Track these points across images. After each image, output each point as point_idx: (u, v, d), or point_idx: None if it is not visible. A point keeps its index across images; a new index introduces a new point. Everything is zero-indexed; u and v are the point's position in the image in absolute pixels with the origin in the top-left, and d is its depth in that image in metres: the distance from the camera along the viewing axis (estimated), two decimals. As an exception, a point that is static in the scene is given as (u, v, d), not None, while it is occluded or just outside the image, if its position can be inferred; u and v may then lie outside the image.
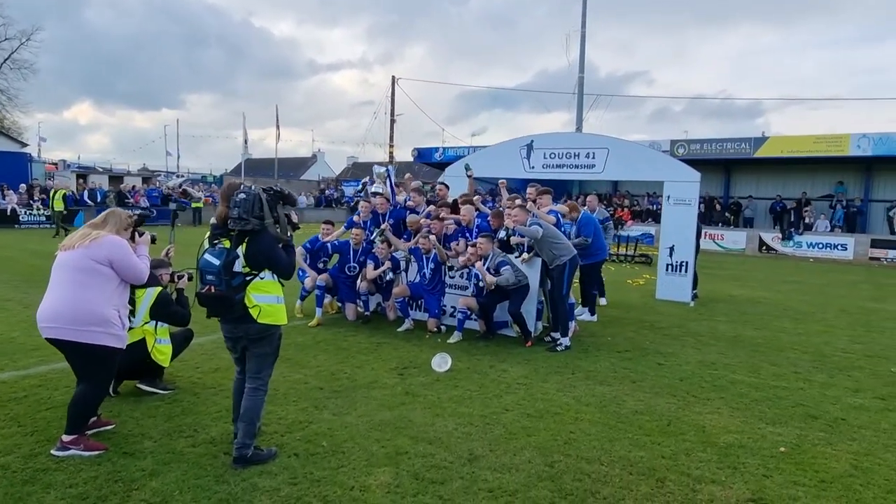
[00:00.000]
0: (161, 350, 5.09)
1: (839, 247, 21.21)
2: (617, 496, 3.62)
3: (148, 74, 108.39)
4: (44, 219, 23.02)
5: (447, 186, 10.24)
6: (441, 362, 6.15)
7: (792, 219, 23.01)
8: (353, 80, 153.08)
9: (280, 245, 3.91)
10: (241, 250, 3.75)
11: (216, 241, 3.79)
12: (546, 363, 6.47)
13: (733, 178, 25.94)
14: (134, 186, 29.20)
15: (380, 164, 10.58)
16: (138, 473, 3.74)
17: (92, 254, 3.96)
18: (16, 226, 22.51)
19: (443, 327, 7.86)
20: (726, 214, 24.64)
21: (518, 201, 7.97)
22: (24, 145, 35.63)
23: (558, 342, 7.03)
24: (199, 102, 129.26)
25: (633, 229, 20.37)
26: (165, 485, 3.60)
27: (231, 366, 4.54)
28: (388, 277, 8.17)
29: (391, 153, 35.44)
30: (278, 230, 3.85)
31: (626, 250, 17.86)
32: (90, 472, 3.72)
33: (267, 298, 3.86)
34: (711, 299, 11.20)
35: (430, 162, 31.09)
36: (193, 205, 27.71)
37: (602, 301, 10.15)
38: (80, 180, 30.06)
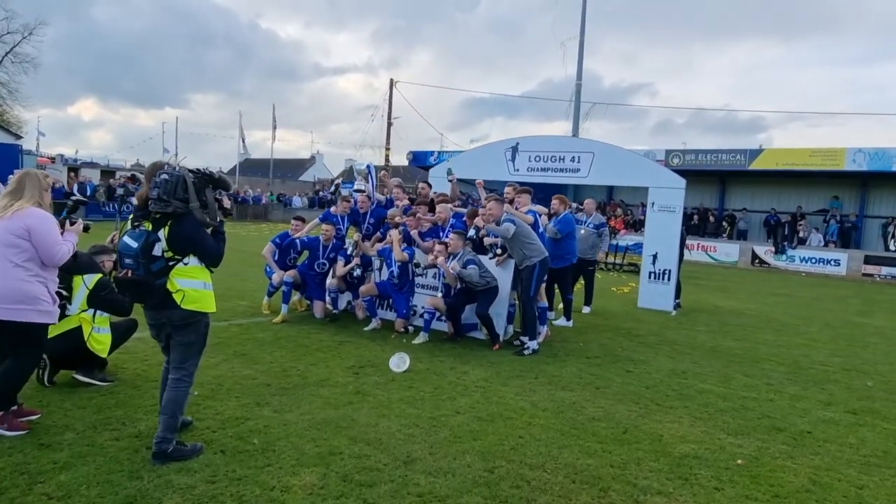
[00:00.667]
0: (98, 339, 4.87)
1: (832, 262, 21.00)
2: (553, 505, 3.40)
3: (153, 73, 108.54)
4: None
5: (430, 185, 10.07)
6: (399, 362, 5.93)
7: (786, 232, 22.81)
8: (358, 84, 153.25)
9: (209, 231, 3.71)
10: (162, 234, 3.54)
11: (137, 224, 3.58)
12: (510, 367, 6.25)
13: (728, 189, 25.75)
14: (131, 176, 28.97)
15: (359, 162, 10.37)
16: (49, 466, 3.52)
17: (12, 227, 3.77)
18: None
19: (410, 328, 7.64)
20: (722, 225, 24.45)
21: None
22: (19, 138, 35.38)
23: (525, 346, 6.82)
24: (204, 102, 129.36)
25: (626, 238, 20.18)
26: (74, 479, 3.38)
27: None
28: (356, 273, 7.96)
29: (387, 156, 35.24)
30: (206, 215, 3.65)
31: (615, 259, 17.68)
32: (-3, 464, 3.50)
33: (192, 283, 3.65)
34: (694, 309, 10.99)
35: (425, 166, 30.84)
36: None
37: (585, 309, 9.93)
38: (72, 174, 29.87)
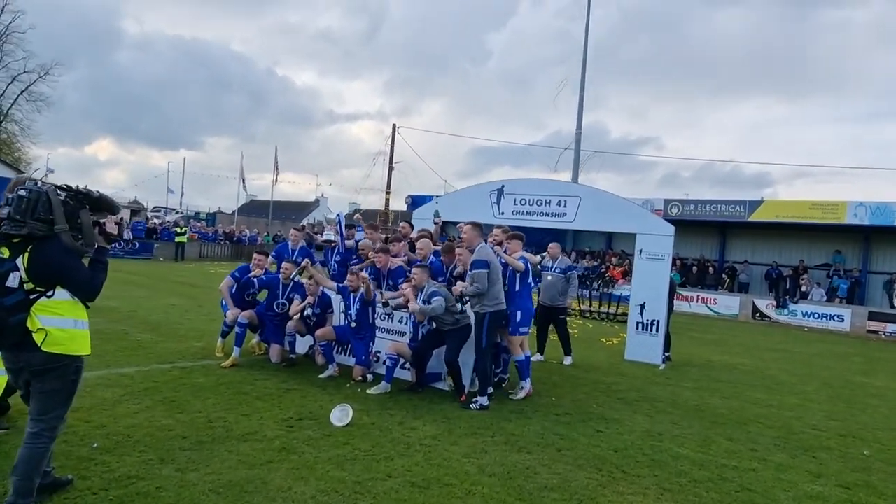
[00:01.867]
0: None
1: (836, 317, 20.27)
2: None
3: (170, 115, 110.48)
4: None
5: (411, 225, 9.69)
6: (341, 416, 5.35)
7: (787, 286, 22.17)
8: (370, 131, 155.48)
9: (82, 258, 3.22)
10: (21, 261, 3.05)
11: None
12: (467, 423, 5.65)
13: (729, 241, 25.24)
14: (122, 218, 28.78)
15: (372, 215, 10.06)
16: None
17: None
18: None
19: (370, 376, 7.07)
20: (722, 277, 23.84)
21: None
22: (20, 172, 35.57)
23: (473, 400, 6.23)
24: (218, 144, 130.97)
25: (624, 288, 19.58)
26: None
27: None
28: (307, 312, 7.42)
29: (387, 200, 35.10)
30: (79, 240, 3.16)
31: (608, 308, 17.11)
32: None
33: (58, 322, 3.14)
34: (685, 363, 10.35)
35: (423, 210, 30.67)
36: (177, 239, 27.22)
37: (566, 360, 9.33)
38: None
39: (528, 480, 4.35)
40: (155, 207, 48.11)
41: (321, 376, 6.99)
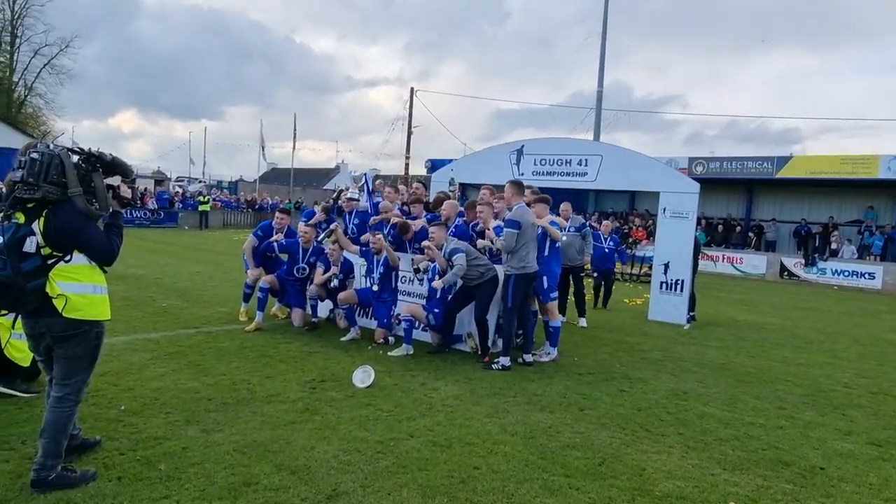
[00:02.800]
0: (17, 347, 4.40)
1: (867, 275, 19.82)
2: (490, 558, 2.79)
3: (191, 86, 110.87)
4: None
5: (424, 185, 9.61)
6: (363, 377, 5.37)
7: (817, 244, 21.69)
8: (389, 96, 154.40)
9: (99, 223, 3.20)
10: (37, 226, 3.02)
11: (8, 215, 3.06)
12: (489, 383, 5.64)
13: (756, 199, 24.68)
14: (145, 188, 29.10)
15: (359, 173, 10.01)
16: None
17: None
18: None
19: (392, 338, 7.09)
20: (749, 236, 23.39)
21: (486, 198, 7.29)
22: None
23: (496, 360, 6.23)
24: (238, 114, 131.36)
25: (647, 249, 19.33)
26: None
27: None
28: (332, 285, 7.41)
29: (407, 164, 34.88)
30: (93, 204, 3.13)
31: (632, 269, 16.93)
32: None
33: (77, 287, 3.13)
34: (710, 323, 10.21)
35: (444, 174, 30.44)
36: (200, 208, 27.46)
37: (581, 322, 9.24)
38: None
39: (551, 439, 4.33)
40: (178, 178, 48.51)
41: (343, 339, 7.02)
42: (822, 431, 4.89)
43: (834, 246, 21.16)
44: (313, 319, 7.64)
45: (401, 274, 7.39)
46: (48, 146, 3.05)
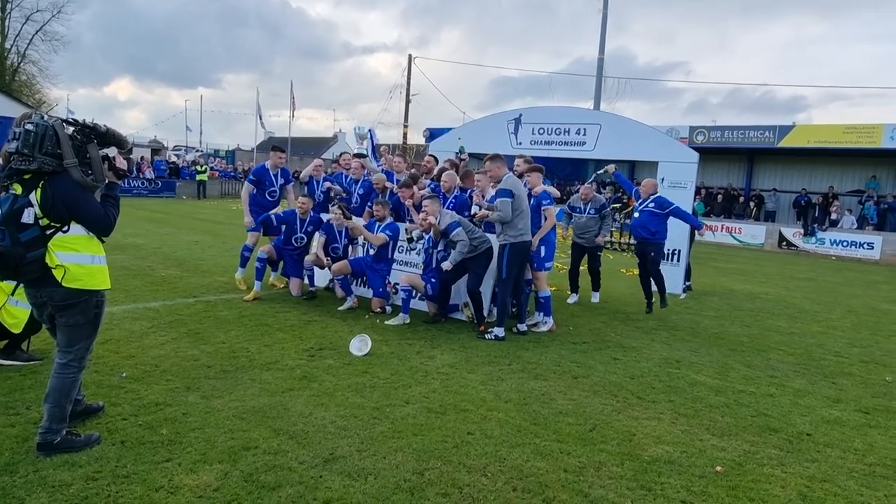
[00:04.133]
0: (12, 312, 4.43)
1: (865, 245, 19.87)
2: (481, 519, 2.89)
3: (187, 53, 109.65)
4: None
5: (436, 159, 9.57)
6: (360, 345, 5.45)
7: (816, 214, 21.69)
8: (387, 64, 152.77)
9: (97, 195, 3.22)
10: (34, 197, 3.05)
11: (5, 186, 3.09)
12: (484, 352, 5.72)
13: (756, 168, 24.58)
14: (142, 157, 28.96)
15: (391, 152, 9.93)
16: (-86, 457, 3.12)
17: None
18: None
19: (389, 307, 7.16)
20: (749, 205, 23.35)
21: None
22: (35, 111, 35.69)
23: (489, 330, 6.28)
24: (236, 82, 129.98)
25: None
26: (-66, 473, 2.97)
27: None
28: (334, 247, 7.47)
29: (405, 133, 34.67)
30: (89, 175, 3.14)
31: (630, 239, 16.94)
32: None
33: (75, 257, 3.16)
34: (706, 293, 10.29)
35: (443, 143, 30.25)
36: (198, 177, 27.37)
37: (595, 297, 9.15)
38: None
39: (544, 406, 4.42)
40: (175, 146, 48.18)
41: (340, 308, 7.09)
42: (811, 399, 4.98)
43: (834, 216, 21.16)
44: (311, 288, 7.70)
45: (399, 244, 7.43)
46: (42, 117, 3.05)
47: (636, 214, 8.39)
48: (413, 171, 9.23)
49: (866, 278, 14.47)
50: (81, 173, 3.08)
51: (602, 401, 4.60)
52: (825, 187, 22.39)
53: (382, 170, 8.92)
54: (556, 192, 7.60)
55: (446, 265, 6.39)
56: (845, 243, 20.23)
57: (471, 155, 11.84)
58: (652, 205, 8.15)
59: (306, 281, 7.75)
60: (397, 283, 7.30)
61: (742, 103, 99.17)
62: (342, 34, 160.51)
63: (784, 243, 21.16)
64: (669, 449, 3.79)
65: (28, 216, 3.02)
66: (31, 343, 4.73)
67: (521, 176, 7.20)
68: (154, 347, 5.20)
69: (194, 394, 4.22)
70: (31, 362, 4.57)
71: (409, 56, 33.79)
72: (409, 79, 33.94)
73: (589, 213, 8.85)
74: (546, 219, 6.77)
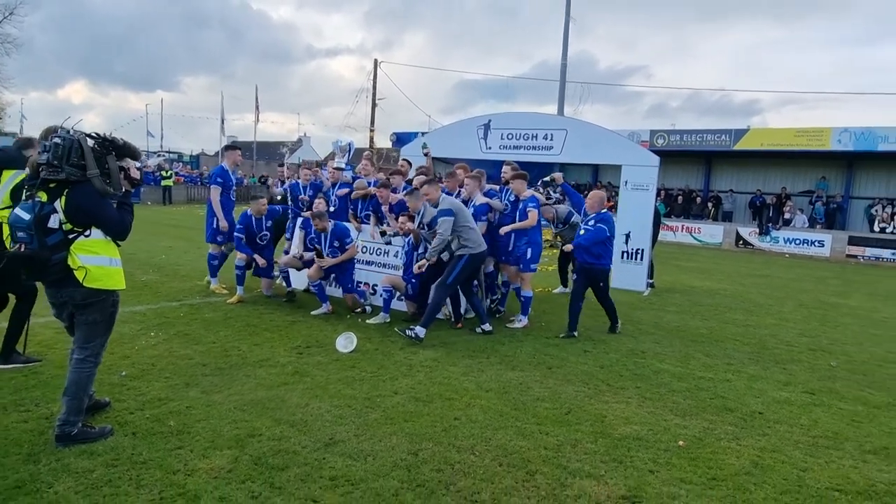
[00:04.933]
0: None
1: (816, 243, 20.87)
2: (473, 489, 3.22)
3: (144, 55, 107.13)
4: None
5: (409, 163, 9.84)
6: (346, 342, 5.73)
7: (770, 214, 22.66)
8: (350, 67, 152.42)
9: (113, 201, 3.46)
10: (59, 204, 3.28)
11: (31, 194, 3.31)
12: (464, 347, 6.06)
13: (714, 170, 25.52)
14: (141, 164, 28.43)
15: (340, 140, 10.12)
16: (-63, 450, 3.31)
17: None
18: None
19: (369, 307, 7.44)
20: (707, 206, 24.26)
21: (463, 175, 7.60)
22: (-1, 120, 34.85)
23: (410, 327, 6.22)
24: (195, 85, 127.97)
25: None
26: (-39, 463, 3.17)
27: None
28: (305, 257, 7.70)
29: (371, 137, 34.85)
30: (108, 184, 3.39)
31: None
32: None
33: (95, 260, 3.41)
34: (668, 290, 10.82)
35: (411, 147, 30.53)
36: (163, 183, 27.11)
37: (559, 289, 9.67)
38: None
39: (522, 393, 4.77)
40: (137, 151, 47.27)
41: (314, 313, 7.16)
42: (763, 383, 5.45)
43: (787, 216, 22.15)
44: (288, 290, 7.88)
45: (375, 246, 7.71)
46: (68, 132, 3.29)
47: (581, 232, 7.08)
48: (381, 174, 9.44)
49: (816, 274, 15.29)
50: (102, 182, 3.33)
51: (575, 388, 4.99)
52: (778, 188, 23.39)
53: (355, 176, 9.16)
54: (542, 198, 7.93)
55: (422, 262, 6.60)
56: (798, 241, 21.21)
57: (441, 160, 12.18)
58: (596, 223, 6.92)
59: (282, 282, 7.95)
60: (376, 285, 7.60)
61: (700, 107, 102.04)
62: (305, 37, 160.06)
63: (741, 242, 22.06)
64: (637, 428, 4.19)
65: (54, 221, 3.26)
66: (27, 346, 4.89)
67: (506, 183, 7.57)
68: (147, 348, 5.40)
69: (194, 389, 4.45)
70: (31, 364, 4.74)
71: (375, 61, 34.03)
72: (374, 83, 34.17)
73: (558, 227, 9.31)
74: (528, 218, 7.10)
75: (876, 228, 20.66)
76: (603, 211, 6.98)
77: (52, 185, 3.29)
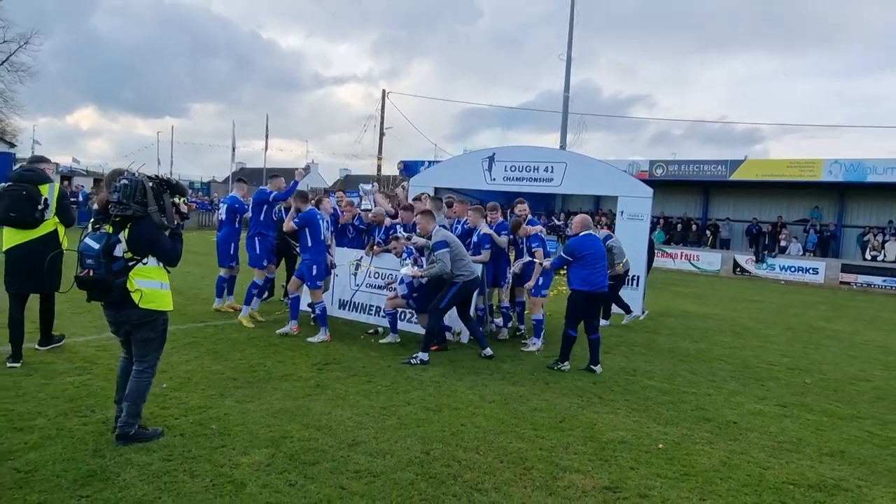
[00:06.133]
0: None
1: (811, 270, 21.41)
2: (477, 480, 3.76)
3: (153, 82, 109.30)
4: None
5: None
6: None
7: (766, 242, 23.23)
8: (357, 95, 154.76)
9: (167, 233, 4.06)
10: (123, 235, 3.88)
11: (98, 226, 3.91)
12: (469, 365, 6.61)
13: (711, 199, 26.19)
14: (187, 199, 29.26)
15: (365, 180, 10.81)
16: (20, 446, 3.86)
17: None
18: (-4, 224, 22.53)
19: (380, 328, 8.00)
20: (705, 234, 24.86)
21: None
22: (13, 146, 35.75)
23: (414, 355, 6.60)
24: (203, 112, 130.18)
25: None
26: (41, 457, 3.73)
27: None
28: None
29: (379, 166, 35.71)
30: (163, 218, 3.99)
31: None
32: (-27, 444, 3.85)
33: (150, 284, 3.99)
34: (663, 314, 11.35)
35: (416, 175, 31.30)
36: (177, 210, 27.86)
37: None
38: (66, 182, 30.20)
39: (522, 404, 5.32)
40: (147, 178, 48.31)
41: (278, 332, 7.51)
42: (741, 397, 5.98)
43: (783, 243, 22.73)
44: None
45: (374, 269, 8.28)
46: (133, 174, 3.90)
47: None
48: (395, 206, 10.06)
49: (808, 300, 15.80)
50: (160, 216, 3.93)
51: (570, 400, 5.52)
52: (774, 217, 24.02)
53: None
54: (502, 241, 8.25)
55: (414, 271, 6.92)
56: (793, 269, 21.76)
57: (446, 189, 12.83)
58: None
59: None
60: (381, 308, 8.10)
61: (702, 135, 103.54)
62: (313, 65, 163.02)
63: (738, 269, 22.60)
64: (623, 433, 4.72)
65: (118, 251, 3.85)
66: (53, 328, 5.83)
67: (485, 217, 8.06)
68: (181, 364, 5.96)
69: (229, 399, 5.00)
70: (62, 342, 5.63)
71: (384, 91, 35.06)
72: (382, 113, 35.13)
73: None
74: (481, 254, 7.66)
75: (867, 256, 21.20)
76: (582, 234, 6.70)
77: (117, 219, 3.89)
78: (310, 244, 7.45)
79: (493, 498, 3.55)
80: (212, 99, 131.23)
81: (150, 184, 3.97)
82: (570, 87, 26.33)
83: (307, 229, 7.43)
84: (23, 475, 3.49)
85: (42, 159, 5.96)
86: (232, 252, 8.86)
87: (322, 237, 7.56)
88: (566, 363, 6.68)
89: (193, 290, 10.63)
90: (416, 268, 7.06)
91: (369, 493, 3.51)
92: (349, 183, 56.54)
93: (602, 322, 9.24)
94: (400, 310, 7.68)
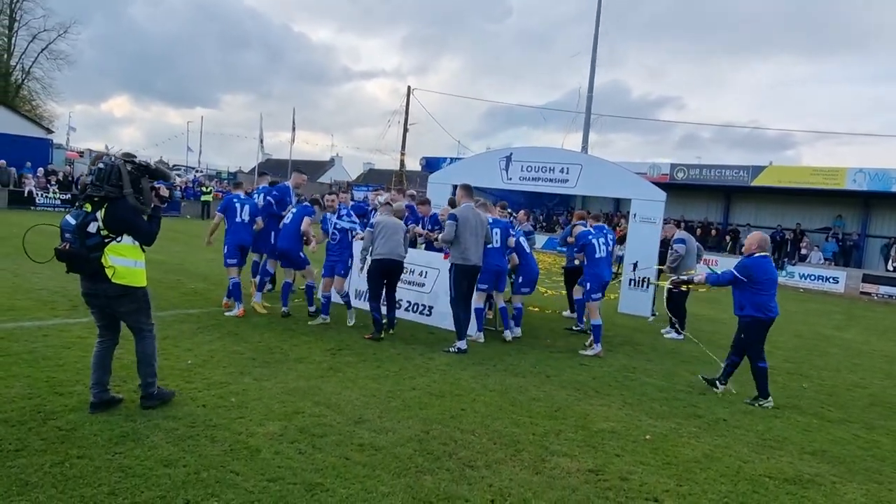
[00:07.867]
0: None
1: (831, 279, 21.31)
2: (470, 458, 4.08)
3: (186, 72, 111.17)
4: (58, 202, 23.93)
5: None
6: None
7: (788, 249, 23.15)
8: (385, 89, 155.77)
9: (144, 215, 4.34)
10: (99, 214, 4.21)
11: (80, 205, 4.26)
12: (474, 356, 6.93)
13: (733, 205, 26.14)
14: (172, 184, 30.10)
15: (388, 175, 11.14)
16: (60, 408, 4.28)
17: None
18: (32, 207, 23.40)
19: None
20: (726, 239, 24.81)
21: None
22: (50, 132, 36.88)
23: (453, 344, 7.02)
24: (233, 102, 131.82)
25: (619, 248, 20.66)
26: (80, 418, 4.14)
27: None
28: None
29: (402, 161, 36.08)
30: (140, 201, 4.30)
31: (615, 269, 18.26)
32: (19, 404, 4.27)
33: (123, 261, 4.28)
34: (672, 316, 11.52)
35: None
36: (203, 198, 28.57)
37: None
38: (99, 167, 31.10)
39: (520, 395, 5.62)
40: (175, 166, 49.41)
41: (311, 324, 8.16)
42: (735, 397, 6.21)
43: (804, 251, 22.63)
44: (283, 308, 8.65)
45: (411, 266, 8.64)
46: (111, 158, 4.26)
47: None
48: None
49: (824, 309, 15.82)
50: (136, 199, 4.27)
51: (567, 393, 5.82)
52: (795, 224, 23.90)
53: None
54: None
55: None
56: (813, 277, 21.67)
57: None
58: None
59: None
60: (400, 300, 8.47)
61: (732, 138, 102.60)
62: (342, 58, 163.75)
63: (756, 276, 22.52)
64: (614, 424, 5.01)
65: (93, 227, 4.17)
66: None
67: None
68: (205, 344, 6.37)
69: (248, 377, 5.39)
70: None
71: (409, 87, 35.37)
72: (407, 109, 35.47)
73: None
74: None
75: (890, 267, 21.03)
76: (758, 255, 6.25)
77: (96, 199, 4.22)
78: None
79: (483, 474, 3.87)
80: (242, 90, 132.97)
81: (129, 167, 4.29)
82: (597, 88, 26.43)
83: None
84: (65, 433, 3.90)
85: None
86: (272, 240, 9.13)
87: (238, 219, 8.65)
88: (769, 399, 6.08)
89: (217, 276, 11.08)
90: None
91: (370, 464, 3.85)
92: (372, 177, 57.17)
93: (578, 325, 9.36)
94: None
